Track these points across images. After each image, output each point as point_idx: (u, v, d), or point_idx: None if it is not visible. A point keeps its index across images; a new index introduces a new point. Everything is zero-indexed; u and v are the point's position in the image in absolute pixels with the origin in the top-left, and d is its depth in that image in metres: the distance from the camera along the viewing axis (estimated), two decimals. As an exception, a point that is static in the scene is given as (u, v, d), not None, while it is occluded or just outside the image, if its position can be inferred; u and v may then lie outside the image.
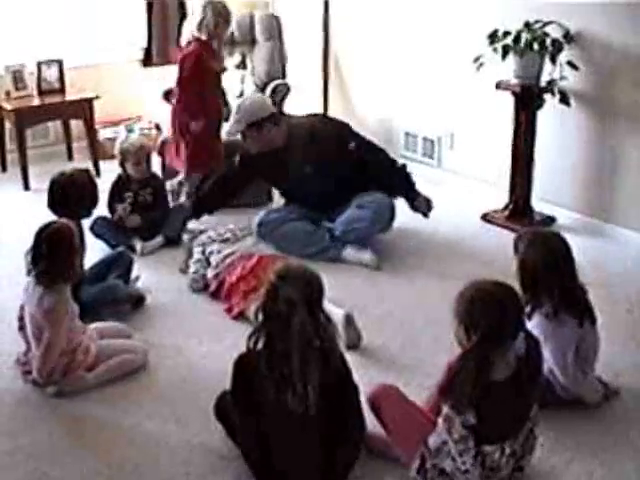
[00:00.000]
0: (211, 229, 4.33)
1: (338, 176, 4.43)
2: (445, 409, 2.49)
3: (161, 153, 5.28)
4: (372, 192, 4.48)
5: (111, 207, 4.65)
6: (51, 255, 3.15)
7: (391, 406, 2.74)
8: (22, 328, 3.26)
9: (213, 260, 4.09)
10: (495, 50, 4.54)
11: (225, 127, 4.72)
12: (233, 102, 5.49)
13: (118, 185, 4.71)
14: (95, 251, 4.16)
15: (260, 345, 2.61)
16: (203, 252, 4.16)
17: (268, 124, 4.46)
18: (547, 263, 2.92)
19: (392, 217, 4.50)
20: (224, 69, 5.28)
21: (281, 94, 5.80)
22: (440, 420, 2.53)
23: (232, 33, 6.14)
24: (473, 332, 2.45)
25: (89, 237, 3.91)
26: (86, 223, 4.11)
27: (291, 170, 4.48)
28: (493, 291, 2.48)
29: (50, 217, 3.59)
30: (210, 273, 4.06)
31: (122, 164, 4.70)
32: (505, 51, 4.50)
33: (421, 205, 4.54)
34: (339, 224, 4.45)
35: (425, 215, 4.57)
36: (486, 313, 2.44)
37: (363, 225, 4.39)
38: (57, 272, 3.15)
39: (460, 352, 2.50)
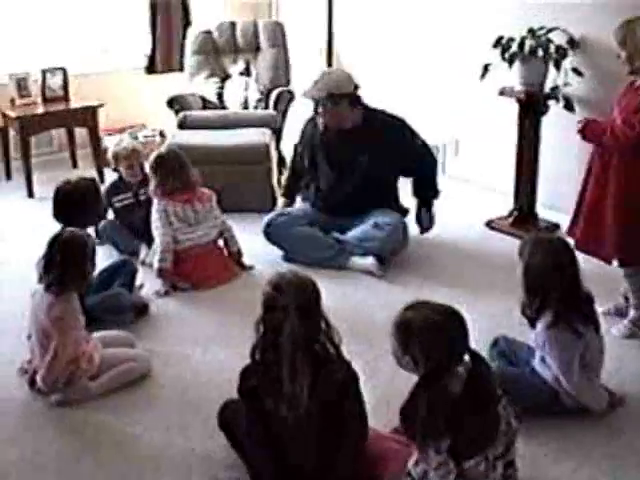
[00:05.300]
0: None
1: (383, 174, 4.43)
2: (417, 441, 2.42)
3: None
4: (389, 212, 4.44)
5: (110, 205, 4.68)
6: (64, 263, 3.14)
7: (372, 443, 2.68)
8: (30, 336, 3.26)
9: None
10: (504, 59, 4.54)
11: (303, 88, 4.50)
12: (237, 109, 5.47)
13: (115, 185, 4.74)
14: (99, 258, 4.15)
15: (258, 356, 2.61)
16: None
17: (345, 102, 4.34)
18: (549, 268, 2.91)
19: (404, 240, 4.46)
20: None
21: (285, 101, 5.81)
22: (416, 451, 2.46)
23: (235, 40, 6.16)
24: (420, 363, 2.39)
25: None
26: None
27: (346, 153, 4.42)
28: (439, 322, 2.38)
29: (55, 224, 3.61)
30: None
31: (116, 169, 4.74)
32: (511, 59, 4.50)
33: (424, 219, 4.60)
34: (351, 238, 4.39)
35: (423, 231, 4.63)
36: (434, 347, 2.36)
37: (375, 245, 4.33)
38: (69, 281, 3.15)
39: (409, 393, 2.42)
